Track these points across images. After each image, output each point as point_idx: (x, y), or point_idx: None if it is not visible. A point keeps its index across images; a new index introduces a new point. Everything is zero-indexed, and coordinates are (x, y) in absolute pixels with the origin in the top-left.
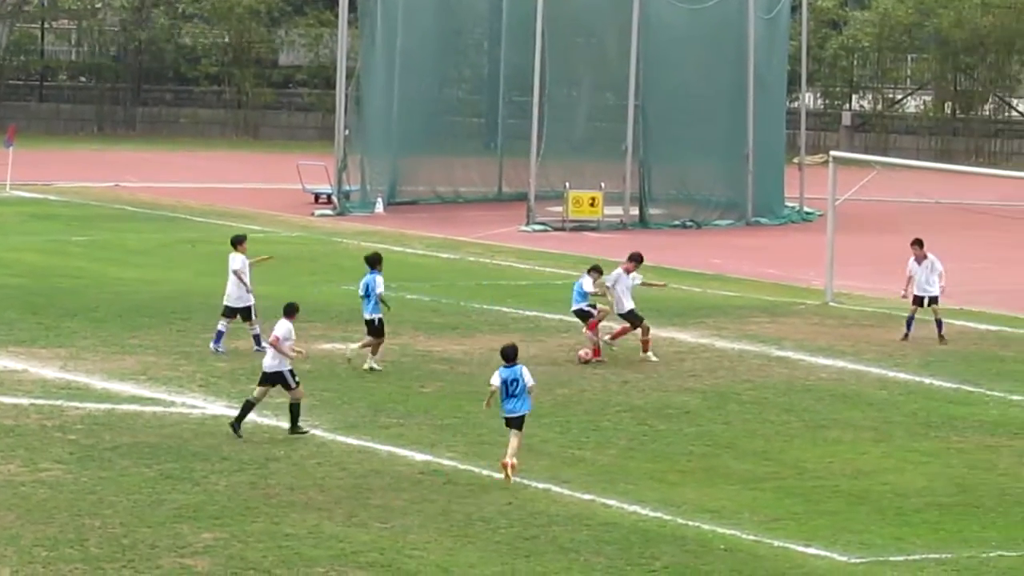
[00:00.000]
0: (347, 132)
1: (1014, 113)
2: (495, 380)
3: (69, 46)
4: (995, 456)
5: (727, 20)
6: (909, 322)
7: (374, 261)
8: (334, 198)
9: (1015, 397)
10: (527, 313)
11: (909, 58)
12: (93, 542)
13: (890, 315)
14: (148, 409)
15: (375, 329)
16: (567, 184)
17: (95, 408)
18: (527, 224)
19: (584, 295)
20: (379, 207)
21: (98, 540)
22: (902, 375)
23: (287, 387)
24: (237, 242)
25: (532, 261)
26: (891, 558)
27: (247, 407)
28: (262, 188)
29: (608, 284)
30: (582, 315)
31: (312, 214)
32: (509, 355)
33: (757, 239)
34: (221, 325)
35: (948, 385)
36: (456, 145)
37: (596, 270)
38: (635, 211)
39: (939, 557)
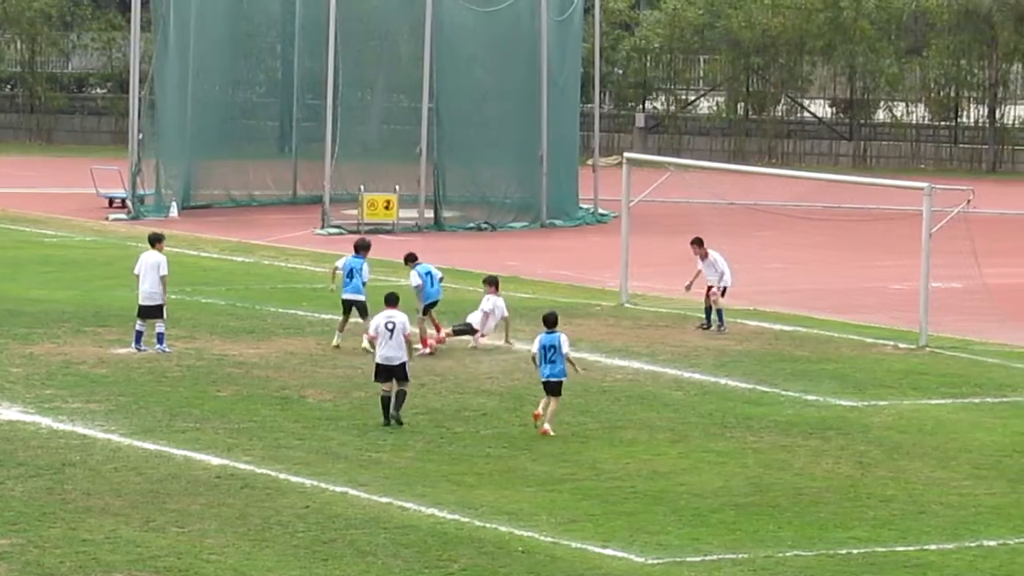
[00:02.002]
0: (141, 136)
1: (806, 114)
2: (535, 346)
3: None
4: (790, 456)
5: (520, 22)
6: (707, 311)
7: (360, 247)
8: (128, 202)
9: (809, 397)
10: (323, 316)
11: (701, 59)
12: None
13: (685, 316)
14: None
15: (360, 309)
16: (362, 187)
17: None
18: (322, 227)
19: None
20: (173, 211)
21: None
22: (697, 376)
23: (405, 378)
24: (155, 240)
25: (327, 264)
26: (688, 559)
27: (385, 404)
28: (56, 192)
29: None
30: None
31: (106, 218)
32: (550, 322)
33: (551, 241)
34: (139, 326)
35: (743, 385)
36: (250, 148)
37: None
38: (430, 214)
39: (735, 557)
